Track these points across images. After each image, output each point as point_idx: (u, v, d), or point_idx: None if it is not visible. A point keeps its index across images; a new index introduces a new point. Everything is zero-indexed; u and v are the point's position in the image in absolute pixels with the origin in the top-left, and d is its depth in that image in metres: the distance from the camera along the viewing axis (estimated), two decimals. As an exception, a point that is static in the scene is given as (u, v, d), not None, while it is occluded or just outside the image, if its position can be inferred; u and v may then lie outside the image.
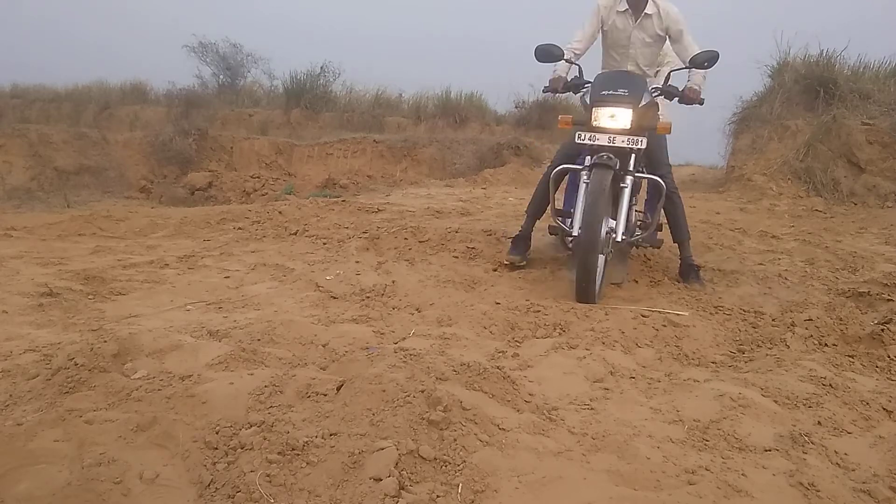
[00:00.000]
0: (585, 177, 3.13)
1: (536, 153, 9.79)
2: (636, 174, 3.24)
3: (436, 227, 4.56)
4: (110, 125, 12.03)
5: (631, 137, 3.05)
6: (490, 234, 4.38)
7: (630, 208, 3.24)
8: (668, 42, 3.63)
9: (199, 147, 10.69)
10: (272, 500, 1.35)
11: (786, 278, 3.57)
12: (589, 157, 3.15)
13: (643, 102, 3.11)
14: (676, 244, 3.69)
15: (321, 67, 12.32)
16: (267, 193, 9.48)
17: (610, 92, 3.11)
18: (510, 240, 3.85)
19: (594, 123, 3.11)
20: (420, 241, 4.15)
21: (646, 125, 3.15)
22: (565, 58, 3.35)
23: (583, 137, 3.11)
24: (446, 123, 11.64)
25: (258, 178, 10.08)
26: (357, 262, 3.75)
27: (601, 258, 3.03)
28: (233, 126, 11.91)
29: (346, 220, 5.08)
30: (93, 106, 12.91)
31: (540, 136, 10.70)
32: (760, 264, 3.99)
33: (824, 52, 7.44)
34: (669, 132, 3.22)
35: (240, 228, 5.02)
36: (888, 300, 2.95)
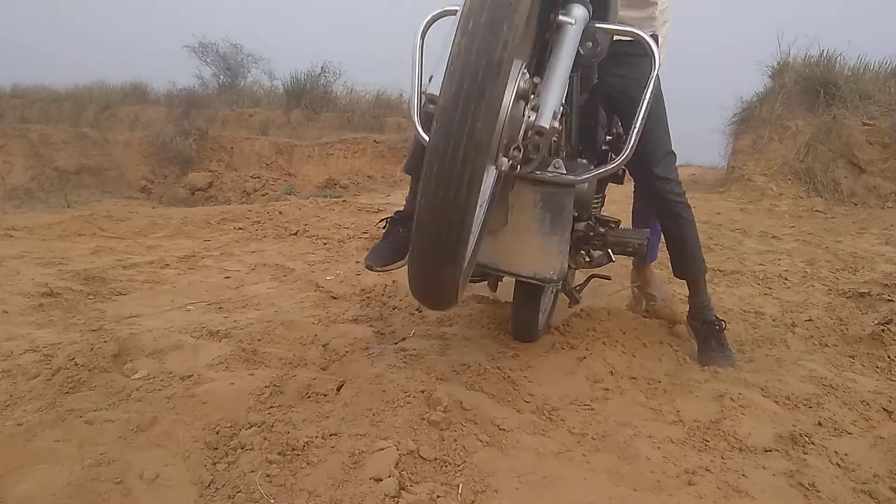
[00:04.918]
0: None
1: (537, 153, 9.80)
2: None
3: (436, 227, 4.56)
4: (111, 125, 12.03)
5: None
6: (490, 235, 4.38)
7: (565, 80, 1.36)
8: None
9: (200, 147, 10.70)
10: (272, 500, 1.35)
11: (786, 279, 3.57)
12: None
13: None
14: (684, 281, 2.43)
15: (321, 68, 12.34)
16: (267, 193, 9.49)
17: None
18: None
19: None
20: (420, 242, 4.14)
21: None
22: None
23: None
24: (447, 123, 11.64)
25: (258, 178, 10.08)
26: (357, 262, 3.74)
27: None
28: (233, 126, 11.91)
29: (346, 221, 5.08)
30: (93, 106, 12.89)
31: (540, 137, 10.70)
32: (761, 265, 3.98)
33: (824, 52, 7.48)
34: None
35: (240, 228, 5.02)
36: (888, 300, 2.95)
